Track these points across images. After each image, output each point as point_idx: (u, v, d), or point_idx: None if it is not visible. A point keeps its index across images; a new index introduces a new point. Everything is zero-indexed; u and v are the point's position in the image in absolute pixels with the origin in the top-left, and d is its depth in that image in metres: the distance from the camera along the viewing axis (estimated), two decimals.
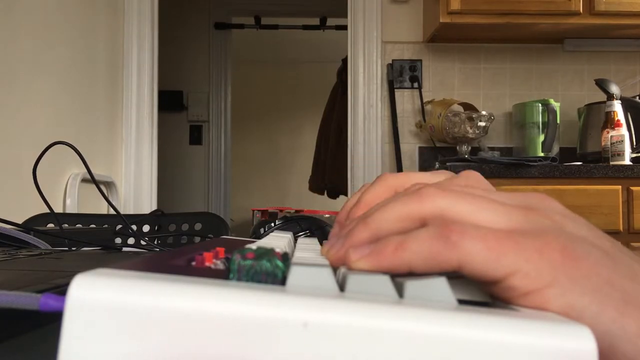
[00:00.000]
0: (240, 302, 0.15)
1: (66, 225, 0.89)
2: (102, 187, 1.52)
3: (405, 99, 2.35)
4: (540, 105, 2.17)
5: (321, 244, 0.42)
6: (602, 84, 2.05)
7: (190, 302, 0.15)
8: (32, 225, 0.85)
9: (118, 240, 0.85)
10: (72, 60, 1.79)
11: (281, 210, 4.00)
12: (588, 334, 0.16)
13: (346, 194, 2.54)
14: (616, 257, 0.21)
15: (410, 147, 2.34)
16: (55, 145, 0.60)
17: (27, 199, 1.34)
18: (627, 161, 1.93)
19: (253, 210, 4.11)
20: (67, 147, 0.60)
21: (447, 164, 1.86)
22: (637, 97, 2.10)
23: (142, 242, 0.69)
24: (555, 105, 2.11)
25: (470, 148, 2.21)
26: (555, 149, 2.16)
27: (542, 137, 2.14)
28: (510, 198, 0.24)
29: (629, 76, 2.37)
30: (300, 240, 0.51)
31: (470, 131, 2.14)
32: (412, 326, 0.15)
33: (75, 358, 0.15)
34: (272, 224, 1.20)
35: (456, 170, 1.79)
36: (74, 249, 0.59)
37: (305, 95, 4.71)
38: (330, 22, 3.81)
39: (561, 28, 2.17)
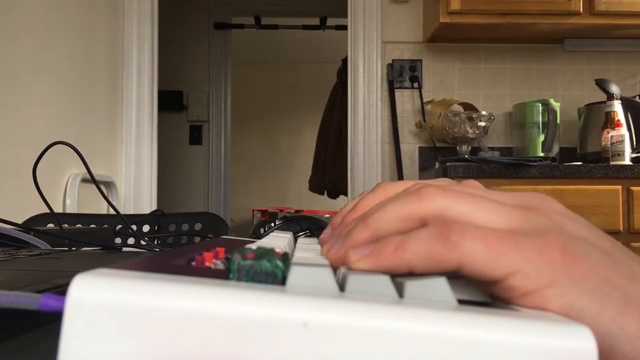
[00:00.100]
0: (240, 302, 0.15)
1: (66, 225, 0.89)
2: (102, 187, 1.53)
3: (405, 99, 2.35)
4: (540, 105, 2.17)
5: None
6: (602, 84, 2.05)
7: (190, 302, 0.15)
8: (32, 225, 0.86)
9: (118, 240, 0.85)
10: (72, 60, 1.79)
11: (281, 210, 4.01)
12: (588, 334, 0.16)
13: (346, 194, 2.54)
14: (616, 257, 0.21)
15: (410, 147, 2.34)
16: (55, 145, 0.60)
17: (27, 199, 1.34)
18: (627, 161, 1.93)
19: (253, 210, 4.12)
20: (67, 147, 0.60)
21: (447, 164, 1.86)
22: (637, 97, 2.10)
23: (142, 242, 0.69)
24: (555, 105, 2.11)
25: (470, 148, 2.21)
26: (555, 149, 2.16)
27: (542, 137, 2.14)
28: (510, 198, 0.24)
29: (629, 76, 2.37)
30: (300, 240, 0.51)
31: (470, 131, 2.14)
32: (412, 326, 0.15)
33: (75, 358, 0.15)
34: (272, 224, 1.20)
35: (456, 170, 1.79)
36: (74, 249, 0.59)
37: (305, 95, 4.71)
38: (330, 22, 3.81)
39: (561, 28, 2.17)
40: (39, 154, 0.61)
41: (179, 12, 3.46)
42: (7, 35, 1.41)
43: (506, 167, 1.81)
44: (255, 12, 3.77)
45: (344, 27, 2.61)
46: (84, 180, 1.76)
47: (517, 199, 0.24)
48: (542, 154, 2.11)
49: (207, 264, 0.22)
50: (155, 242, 0.85)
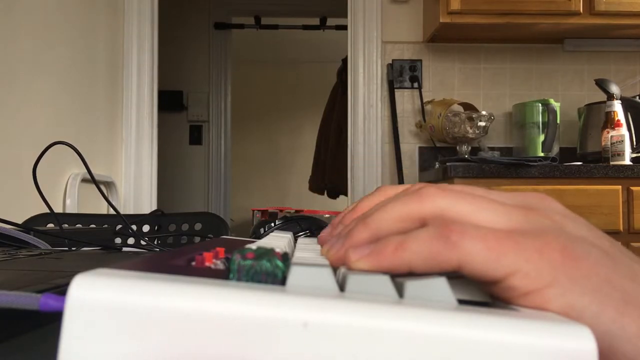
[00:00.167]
0: (240, 302, 0.15)
1: (66, 225, 0.89)
2: (102, 187, 1.53)
3: (405, 99, 2.35)
4: (540, 105, 2.17)
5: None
6: (602, 84, 2.05)
7: (190, 302, 0.15)
8: (32, 225, 0.86)
9: (118, 240, 0.85)
10: (72, 60, 1.79)
11: (281, 210, 4.01)
12: (588, 334, 0.16)
13: (346, 194, 2.54)
14: (616, 257, 0.21)
15: (410, 147, 2.34)
16: (55, 145, 0.60)
17: (27, 199, 1.34)
18: (627, 161, 1.93)
19: (253, 210, 4.12)
20: (67, 147, 0.60)
21: (447, 164, 1.86)
22: (637, 97, 2.10)
23: (142, 242, 0.69)
24: (555, 105, 2.11)
25: (470, 148, 2.21)
26: (555, 149, 2.16)
27: (542, 137, 2.14)
28: (510, 198, 0.24)
29: (629, 76, 2.37)
30: (300, 240, 0.51)
31: (470, 131, 2.14)
32: (412, 326, 0.15)
33: (75, 358, 0.15)
34: (272, 224, 1.20)
35: (456, 170, 1.79)
36: (74, 249, 0.59)
37: (305, 95, 4.71)
38: (330, 22, 3.81)
39: (561, 28, 2.17)
40: (39, 154, 0.61)
41: (179, 12, 3.46)
42: (7, 35, 1.41)
43: (506, 167, 1.81)
44: (255, 12, 3.77)
45: (344, 27, 2.61)
46: (84, 180, 1.76)
47: (517, 199, 0.24)
48: (542, 154, 2.11)
49: (207, 264, 0.22)
50: (155, 242, 0.85)
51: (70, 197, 1.72)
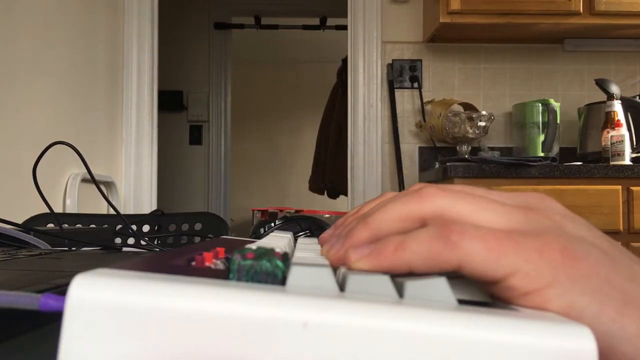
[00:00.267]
0: (240, 302, 0.15)
1: (66, 225, 0.89)
2: (102, 187, 1.53)
3: (405, 99, 2.35)
4: (540, 105, 2.17)
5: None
6: (602, 84, 2.05)
7: (190, 302, 0.15)
8: (32, 225, 0.86)
9: (118, 240, 0.85)
10: (72, 60, 1.79)
11: (281, 210, 4.00)
12: (588, 334, 0.16)
13: (346, 194, 2.54)
14: (616, 257, 0.21)
15: (410, 147, 2.34)
16: (55, 145, 0.61)
17: (27, 199, 1.34)
18: (627, 161, 1.93)
19: (253, 210, 4.11)
20: (67, 147, 0.60)
21: (447, 164, 1.86)
22: (637, 97, 2.10)
23: (142, 242, 0.69)
24: (555, 105, 2.11)
25: (470, 148, 2.21)
26: (555, 149, 2.16)
27: (542, 137, 2.14)
28: (510, 198, 0.24)
29: (629, 76, 2.37)
30: (300, 240, 0.51)
31: (470, 131, 2.14)
32: (412, 326, 0.15)
33: (75, 358, 0.15)
34: (272, 224, 1.20)
35: (456, 170, 1.79)
36: (74, 249, 0.59)
37: (305, 95, 4.71)
38: (330, 22, 3.81)
39: (561, 28, 2.17)
40: (39, 154, 0.61)
41: (179, 12, 3.46)
42: (7, 35, 1.41)
43: (506, 167, 1.81)
44: (255, 12, 3.77)
45: (344, 27, 2.61)
46: (84, 180, 1.76)
47: (517, 199, 0.24)
48: (542, 154, 2.11)
49: (207, 264, 0.22)
50: (155, 242, 0.85)
51: (70, 197, 1.72)
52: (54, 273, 0.32)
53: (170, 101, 3.40)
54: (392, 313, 0.15)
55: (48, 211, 0.65)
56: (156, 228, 0.95)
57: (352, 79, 2.36)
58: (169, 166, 3.31)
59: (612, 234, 1.75)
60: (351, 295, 0.18)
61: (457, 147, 2.20)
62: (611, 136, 1.96)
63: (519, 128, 2.24)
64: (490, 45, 2.36)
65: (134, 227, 0.90)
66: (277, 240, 0.38)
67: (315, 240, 0.50)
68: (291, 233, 0.53)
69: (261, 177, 4.75)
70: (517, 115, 2.25)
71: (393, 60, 2.35)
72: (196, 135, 3.50)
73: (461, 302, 0.19)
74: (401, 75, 2.35)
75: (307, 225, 1.14)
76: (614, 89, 2.02)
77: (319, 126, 3.45)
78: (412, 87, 2.35)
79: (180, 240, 0.94)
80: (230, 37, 3.66)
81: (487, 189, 0.25)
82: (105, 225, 0.95)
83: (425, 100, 2.32)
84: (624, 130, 1.96)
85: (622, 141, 1.94)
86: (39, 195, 0.61)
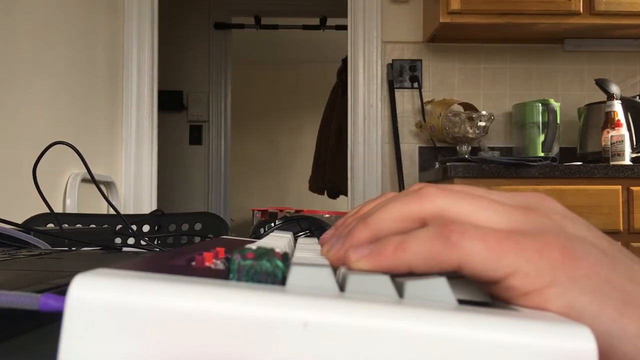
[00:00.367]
0: (240, 302, 0.15)
1: (66, 225, 0.89)
2: (102, 187, 1.53)
3: (405, 99, 2.35)
4: (540, 105, 2.17)
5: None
6: (602, 84, 2.05)
7: (191, 302, 0.15)
8: (32, 225, 0.86)
9: (118, 240, 0.85)
10: (72, 60, 1.79)
11: (281, 210, 4.00)
12: (588, 334, 0.16)
13: (346, 194, 2.54)
14: (615, 257, 0.21)
15: (410, 147, 2.34)
16: (55, 145, 0.61)
17: (27, 199, 1.34)
18: (627, 161, 1.93)
19: (253, 210, 4.11)
20: (67, 147, 0.60)
21: (447, 164, 1.86)
22: (637, 97, 2.10)
23: (142, 242, 0.69)
24: (555, 105, 2.11)
25: (470, 148, 2.21)
26: (555, 149, 2.16)
27: (542, 137, 2.14)
28: (510, 198, 0.24)
29: (629, 76, 2.37)
30: (300, 240, 0.51)
31: (470, 131, 2.14)
32: (412, 326, 0.15)
33: (75, 358, 0.15)
34: (272, 224, 1.20)
35: (456, 170, 1.79)
36: (74, 249, 0.59)
37: (305, 95, 4.71)
38: (330, 22, 3.81)
39: (561, 28, 2.17)
40: (39, 154, 0.61)
41: (179, 12, 3.46)
42: (7, 35, 1.41)
43: (506, 167, 1.81)
44: (255, 12, 3.77)
45: (344, 27, 2.61)
46: (84, 180, 1.76)
47: (517, 199, 0.24)
48: (542, 154, 2.11)
49: (207, 264, 0.22)
50: (155, 242, 0.85)
51: (70, 197, 1.72)
52: (54, 273, 0.32)
53: (170, 101, 3.40)
54: (392, 313, 0.15)
55: (48, 211, 0.65)
56: (156, 228, 0.95)
57: (352, 79, 2.36)
58: (169, 166, 3.31)
59: (612, 234, 1.75)
60: (351, 295, 0.18)
61: (457, 147, 2.20)
62: (611, 136, 1.96)
63: (519, 128, 2.24)
64: (490, 45, 2.36)
65: (134, 227, 0.90)
66: (277, 240, 0.38)
67: (315, 240, 0.50)
68: (291, 233, 0.53)
69: (261, 177, 4.75)
70: (517, 115, 2.25)
71: (393, 60, 2.35)
72: (196, 135, 3.50)
73: (461, 302, 0.19)
74: (401, 75, 2.35)
75: (307, 225, 1.14)
76: (614, 89, 2.02)
77: (319, 126, 3.45)
78: (412, 87, 2.35)
79: (180, 240, 0.94)
80: (230, 37, 3.66)
81: (487, 189, 0.25)
82: (105, 225, 0.95)
83: (425, 100, 2.32)
84: (624, 130, 1.96)
85: (622, 141, 1.94)
86: (39, 195, 0.61)
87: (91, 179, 0.67)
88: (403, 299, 0.18)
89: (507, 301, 0.20)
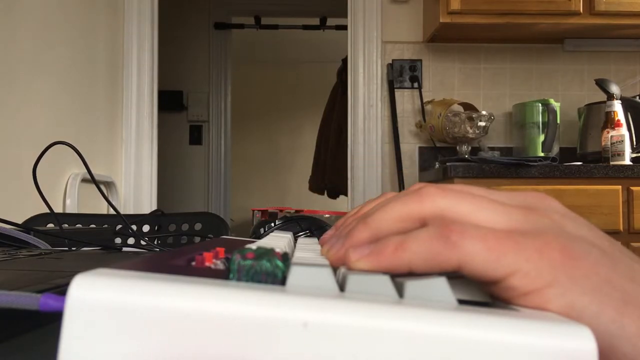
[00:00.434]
0: (240, 302, 0.15)
1: (66, 225, 0.89)
2: (102, 187, 1.53)
3: (405, 99, 2.35)
4: (540, 105, 2.17)
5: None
6: (602, 84, 2.05)
7: (191, 302, 0.15)
8: (32, 225, 0.86)
9: (118, 240, 0.85)
10: (72, 60, 1.79)
11: (281, 210, 4.00)
12: (588, 334, 0.16)
13: (346, 194, 2.54)
14: (615, 256, 0.21)
15: (410, 147, 2.34)
16: (55, 145, 0.60)
17: (27, 199, 1.34)
18: (627, 161, 1.93)
19: (253, 210, 4.11)
20: (67, 147, 0.60)
21: (447, 164, 1.86)
22: (637, 97, 2.10)
23: (142, 242, 0.69)
24: (555, 105, 2.11)
25: (470, 148, 2.21)
26: (555, 149, 2.16)
27: (542, 137, 2.14)
28: (510, 198, 0.24)
29: (629, 76, 2.37)
30: (300, 240, 0.51)
31: (470, 131, 2.14)
32: (412, 326, 0.15)
33: (75, 358, 0.15)
34: (272, 224, 1.20)
35: (456, 170, 1.79)
36: (74, 249, 0.59)
37: (305, 95, 4.71)
38: (330, 22, 3.81)
39: (561, 28, 2.17)
40: (39, 154, 0.61)
41: (179, 12, 3.46)
42: (7, 35, 1.41)
43: (506, 167, 1.81)
44: (255, 12, 3.77)
45: (344, 27, 2.61)
46: (84, 180, 1.76)
47: (517, 198, 0.24)
48: (542, 154, 2.11)
49: (207, 264, 0.22)
50: (155, 242, 0.85)
51: (70, 197, 1.72)
52: (54, 273, 0.32)
53: (170, 101, 3.40)
54: (392, 313, 0.15)
55: (48, 211, 0.65)
56: (156, 228, 0.95)
57: (352, 79, 2.36)
58: (169, 166, 3.31)
59: (612, 234, 1.75)
60: (351, 295, 0.18)
61: (457, 147, 2.20)
62: (611, 136, 1.96)
63: (519, 128, 2.24)
64: (490, 45, 2.36)
65: (134, 227, 0.90)
66: (277, 240, 0.38)
67: (315, 240, 0.50)
68: (291, 233, 0.53)
69: (261, 177, 4.75)
70: (517, 115, 2.25)
71: (393, 60, 2.35)
72: (196, 135, 3.50)
73: (461, 302, 0.19)
74: (401, 75, 2.35)
75: (307, 225, 1.14)
76: (614, 89, 2.02)
77: (319, 126, 3.45)
78: (412, 87, 2.35)
79: (180, 240, 0.94)
80: (230, 37, 3.66)
81: (487, 188, 0.25)
82: (105, 225, 0.95)
83: (425, 100, 2.32)
84: (624, 130, 1.96)
85: (622, 141, 1.94)
86: (39, 195, 0.61)
87: (91, 179, 0.67)
88: (403, 299, 0.18)
89: (507, 301, 0.20)
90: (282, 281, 0.19)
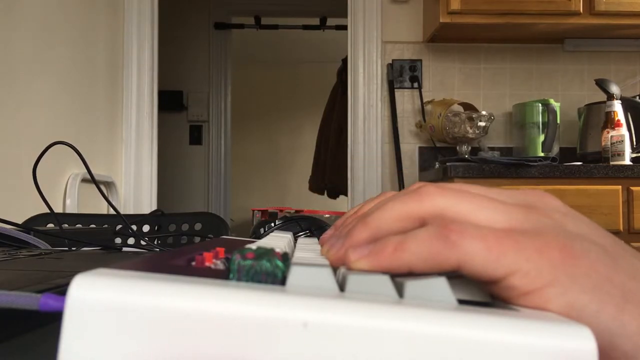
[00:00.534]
0: (240, 302, 0.15)
1: (66, 225, 0.89)
2: (102, 187, 1.53)
3: (405, 99, 2.35)
4: (540, 105, 2.17)
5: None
6: (602, 84, 2.05)
7: (191, 302, 0.15)
8: (32, 225, 0.86)
9: (118, 240, 0.85)
10: (72, 60, 1.79)
11: (281, 210, 4.01)
12: (588, 334, 0.16)
13: (346, 194, 2.54)
14: (616, 254, 0.21)
15: (410, 147, 2.34)
16: (55, 145, 0.60)
17: (27, 199, 1.34)
18: (627, 161, 1.93)
19: (253, 210, 4.12)
20: (67, 147, 0.60)
21: (447, 164, 1.86)
22: (637, 97, 2.10)
23: (142, 242, 0.69)
24: (555, 105, 2.11)
25: (470, 148, 2.21)
26: (555, 149, 2.16)
27: (542, 137, 2.14)
28: (510, 196, 0.24)
29: (629, 76, 2.37)
30: (300, 240, 0.51)
31: (470, 131, 2.14)
32: (412, 326, 0.15)
33: (75, 358, 0.15)
34: (272, 224, 1.20)
35: (456, 170, 1.79)
36: (74, 249, 0.59)
37: (305, 95, 4.71)
38: (330, 22, 3.81)
39: (561, 28, 2.17)
40: (39, 154, 0.61)
41: (179, 12, 3.46)
42: (7, 35, 1.41)
43: (506, 167, 1.81)
44: (255, 12, 3.77)
45: (344, 27, 2.61)
46: (84, 180, 1.76)
47: (517, 197, 0.24)
48: (542, 154, 2.11)
49: (207, 264, 0.22)
50: (155, 242, 0.85)
51: (70, 197, 1.72)
52: (54, 273, 0.32)
53: (170, 101, 3.40)
54: (392, 313, 0.15)
55: (48, 211, 0.65)
56: (156, 228, 0.95)
57: (352, 79, 2.36)
58: (169, 166, 3.30)
59: (612, 234, 1.74)
60: (351, 295, 0.18)
61: (457, 147, 2.20)
62: (611, 136, 1.96)
63: (519, 128, 2.24)
64: (490, 45, 2.36)
65: (134, 227, 0.90)
66: (277, 240, 0.38)
67: (315, 240, 0.50)
68: (291, 233, 0.53)
69: (261, 177, 4.75)
70: (517, 115, 2.25)
71: (393, 60, 2.35)
72: (196, 135, 3.50)
73: (461, 302, 0.19)
74: (401, 75, 2.35)
75: (307, 225, 1.14)
76: (614, 89, 2.02)
77: (319, 126, 3.45)
78: (412, 87, 2.35)
79: (180, 240, 0.94)
80: (230, 37, 3.66)
81: (487, 187, 0.25)
82: (105, 225, 0.95)
83: (425, 100, 2.32)
84: (624, 130, 1.96)
85: (622, 141, 1.94)
86: (39, 195, 0.61)
87: (91, 179, 0.67)
88: (403, 299, 0.18)
89: (507, 301, 0.20)
90: (282, 281, 0.19)
